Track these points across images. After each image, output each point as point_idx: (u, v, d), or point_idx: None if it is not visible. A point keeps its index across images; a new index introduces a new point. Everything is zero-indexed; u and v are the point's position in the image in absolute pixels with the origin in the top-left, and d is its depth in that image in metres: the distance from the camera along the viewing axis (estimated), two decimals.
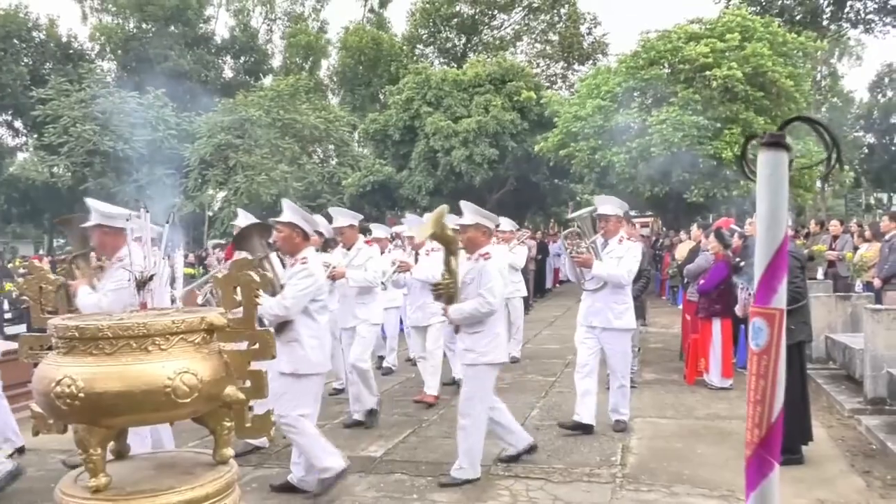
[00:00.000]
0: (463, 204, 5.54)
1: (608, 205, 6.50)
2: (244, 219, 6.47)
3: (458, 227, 5.39)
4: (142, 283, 2.78)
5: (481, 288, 5.13)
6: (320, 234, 6.95)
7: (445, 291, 5.29)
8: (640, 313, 8.79)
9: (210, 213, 24.75)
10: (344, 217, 7.41)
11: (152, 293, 2.85)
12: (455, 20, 36.60)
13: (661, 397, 7.72)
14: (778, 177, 1.78)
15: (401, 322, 9.94)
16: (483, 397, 5.23)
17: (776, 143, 1.78)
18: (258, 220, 5.84)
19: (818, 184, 26.04)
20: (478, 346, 5.20)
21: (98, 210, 4.86)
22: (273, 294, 4.68)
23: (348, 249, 7.19)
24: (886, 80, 37.96)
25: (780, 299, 1.81)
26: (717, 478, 5.09)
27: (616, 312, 6.34)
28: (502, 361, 5.42)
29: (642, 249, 6.82)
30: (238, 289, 2.68)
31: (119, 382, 2.33)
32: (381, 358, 9.67)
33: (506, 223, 10.07)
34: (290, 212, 5.02)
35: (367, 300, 7.15)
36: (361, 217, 8.07)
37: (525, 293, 10.93)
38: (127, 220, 4.87)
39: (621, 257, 6.32)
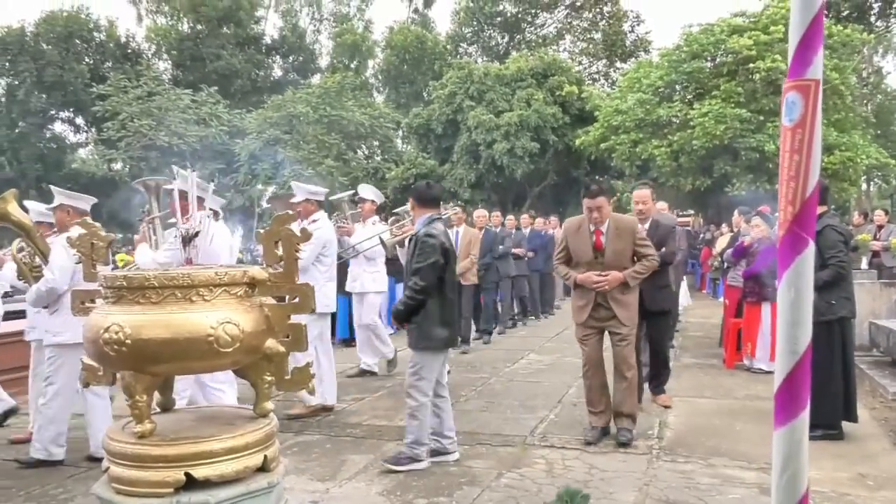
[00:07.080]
0: (53, 188, 5.50)
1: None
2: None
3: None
4: (187, 240, 2.93)
5: (45, 268, 5.06)
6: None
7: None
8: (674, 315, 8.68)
9: (259, 209, 25.19)
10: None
11: (198, 250, 2.99)
12: (498, 19, 36.61)
13: (699, 379, 7.71)
14: None
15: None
16: (57, 384, 5.10)
17: None
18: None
19: (863, 182, 25.41)
20: (51, 325, 5.10)
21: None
22: None
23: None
24: None
25: (816, 70, 1.74)
26: (756, 452, 5.05)
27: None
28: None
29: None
30: (279, 244, 2.77)
31: (164, 330, 2.42)
32: None
33: (368, 191, 8.31)
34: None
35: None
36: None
37: (383, 288, 8.27)
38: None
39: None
